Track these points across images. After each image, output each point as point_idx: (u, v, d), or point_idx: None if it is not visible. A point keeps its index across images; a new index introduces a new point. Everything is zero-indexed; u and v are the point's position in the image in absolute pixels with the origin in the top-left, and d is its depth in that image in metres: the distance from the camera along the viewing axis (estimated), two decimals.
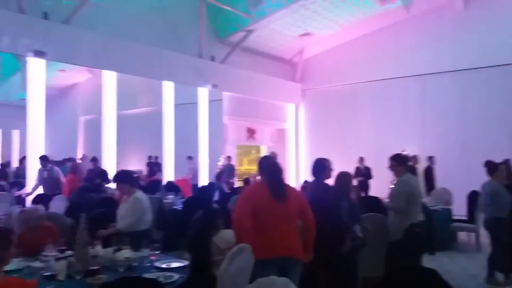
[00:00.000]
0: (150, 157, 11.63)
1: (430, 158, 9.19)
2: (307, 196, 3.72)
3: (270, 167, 3.43)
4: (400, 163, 4.50)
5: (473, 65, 10.08)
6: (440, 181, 8.51)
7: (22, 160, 11.90)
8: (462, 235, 7.32)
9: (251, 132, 12.64)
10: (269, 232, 3.21)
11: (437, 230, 6.11)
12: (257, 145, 13.64)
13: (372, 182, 10.00)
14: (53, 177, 7.16)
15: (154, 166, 11.04)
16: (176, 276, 2.99)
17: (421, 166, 9.23)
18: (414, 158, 8.96)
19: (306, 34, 11.50)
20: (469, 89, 10.17)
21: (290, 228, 3.31)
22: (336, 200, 3.86)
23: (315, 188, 3.97)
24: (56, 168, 7.31)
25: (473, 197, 7.07)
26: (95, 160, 10.78)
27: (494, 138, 9.38)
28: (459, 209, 7.56)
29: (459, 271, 5.63)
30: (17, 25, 6.74)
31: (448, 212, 7.24)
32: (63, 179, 7.32)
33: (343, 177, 4.12)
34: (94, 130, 9.92)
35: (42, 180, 7.11)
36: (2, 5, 6.58)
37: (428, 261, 4.52)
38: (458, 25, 10.32)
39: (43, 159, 7.05)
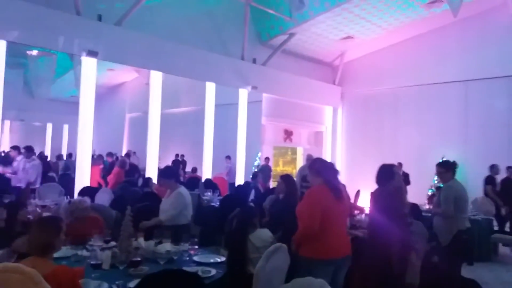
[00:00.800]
0: (177, 155, 11.88)
1: (510, 169, 8.25)
2: (376, 205, 3.68)
3: (330, 168, 3.47)
4: (448, 170, 4.46)
5: None
6: (480, 191, 8.14)
7: (70, 155, 12.53)
8: (503, 247, 7.05)
9: (288, 134, 12.67)
10: (332, 233, 3.26)
11: (477, 240, 5.91)
12: (294, 147, 13.64)
13: (409, 188, 9.75)
14: (26, 168, 7.11)
15: (177, 163, 11.20)
16: (213, 271, 3.07)
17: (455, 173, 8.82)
18: (494, 168, 8.17)
19: (348, 37, 11.39)
20: None
21: (345, 226, 3.44)
22: (404, 211, 3.76)
23: (384, 197, 3.72)
24: (35, 162, 7.17)
25: None
26: (128, 155, 11.15)
27: None
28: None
29: (498, 284, 5.46)
30: (73, 26, 7.11)
31: (489, 222, 6.98)
32: (34, 172, 7.18)
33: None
34: (139, 127, 10.31)
35: (21, 170, 7.17)
36: (60, 8, 6.97)
37: (466, 272, 4.41)
38: (507, 29, 9.88)
39: (28, 150, 7.14)
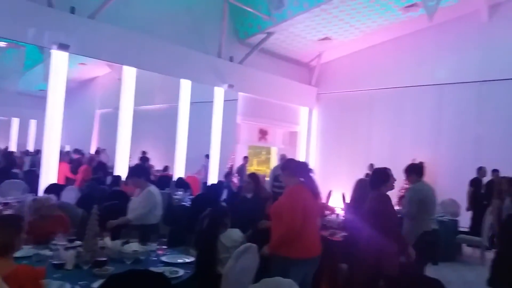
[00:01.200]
0: (143, 152, 11.67)
1: (495, 172, 8.20)
2: (372, 208, 3.68)
3: (306, 168, 3.49)
4: (410, 173, 4.56)
5: (494, 77, 9.86)
6: (450, 192, 8.35)
7: (37, 151, 12.15)
8: (467, 248, 7.27)
9: (263, 133, 12.67)
10: (308, 232, 3.28)
11: (442, 241, 6.06)
12: (268, 147, 13.64)
13: None
14: None
15: (144, 161, 10.98)
16: (181, 272, 3.02)
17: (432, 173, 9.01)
18: (481, 170, 8.36)
19: (326, 38, 11.47)
20: (488, 101, 9.97)
21: (318, 225, 3.50)
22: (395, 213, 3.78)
23: (380, 200, 3.76)
24: None
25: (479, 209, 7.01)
26: (97, 152, 10.90)
27: (511, 153, 9.18)
28: (467, 221, 7.47)
29: (462, 283, 5.65)
30: (45, 18, 6.88)
31: (455, 223, 7.19)
32: None
33: (365, 184, 4.13)
34: (110, 124, 10.06)
35: None
36: None
37: (431, 271, 4.47)
38: (481, 36, 10.13)
39: None
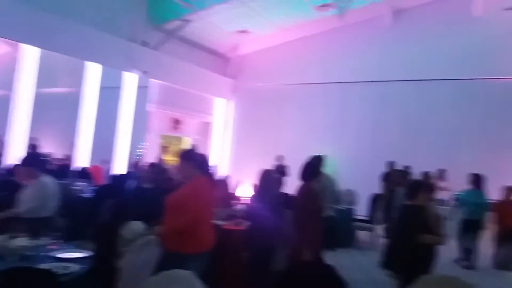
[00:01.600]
0: (32, 139, 10.75)
1: (407, 167, 8.48)
2: (300, 199, 3.70)
3: (204, 159, 3.46)
4: None
5: (393, 77, 10.79)
6: (350, 183, 8.87)
7: None
8: (364, 234, 7.83)
9: (176, 123, 12.41)
10: (206, 225, 3.27)
11: (339, 228, 6.52)
12: (180, 136, 13.43)
13: (290, 180, 10.27)
14: None
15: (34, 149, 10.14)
16: (74, 267, 2.88)
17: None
18: (391, 165, 8.84)
19: (243, 31, 11.56)
20: (388, 100, 10.90)
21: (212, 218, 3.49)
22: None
23: (308, 193, 3.78)
24: None
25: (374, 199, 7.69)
26: None
27: (406, 147, 10.12)
28: (363, 210, 8.11)
29: (356, 267, 6.11)
30: None
31: (351, 211, 7.75)
32: None
33: (269, 175, 4.27)
34: (7, 107, 9.09)
35: None
36: None
37: (328, 257, 4.76)
38: (383, 39, 10.99)
39: None
